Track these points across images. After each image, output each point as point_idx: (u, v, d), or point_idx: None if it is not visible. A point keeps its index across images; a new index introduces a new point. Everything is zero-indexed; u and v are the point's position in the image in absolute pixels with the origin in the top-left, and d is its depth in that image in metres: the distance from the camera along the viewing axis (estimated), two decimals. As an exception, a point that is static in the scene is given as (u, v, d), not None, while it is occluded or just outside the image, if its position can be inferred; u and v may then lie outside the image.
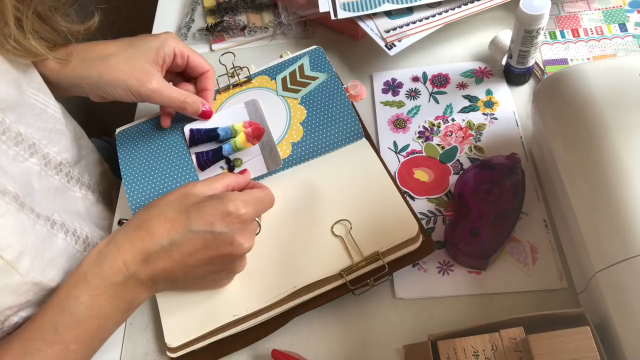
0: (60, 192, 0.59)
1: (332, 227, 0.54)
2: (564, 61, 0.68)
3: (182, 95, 0.59)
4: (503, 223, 0.55)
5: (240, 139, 0.60)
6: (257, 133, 0.60)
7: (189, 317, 0.53)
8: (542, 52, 0.69)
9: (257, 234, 0.52)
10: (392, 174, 0.60)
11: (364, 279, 0.52)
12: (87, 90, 0.60)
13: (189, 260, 0.47)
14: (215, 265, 0.49)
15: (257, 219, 0.52)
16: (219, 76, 0.64)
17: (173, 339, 0.52)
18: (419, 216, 0.58)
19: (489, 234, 0.54)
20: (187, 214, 0.47)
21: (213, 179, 0.51)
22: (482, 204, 0.56)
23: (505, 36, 0.67)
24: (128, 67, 0.57)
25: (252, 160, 0.60)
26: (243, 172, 0.57)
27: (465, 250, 0.54)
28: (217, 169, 0.60)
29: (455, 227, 0.56)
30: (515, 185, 0.56)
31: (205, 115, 0.61)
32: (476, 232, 0.54)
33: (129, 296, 0.47)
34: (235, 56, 0.67)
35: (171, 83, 0.62)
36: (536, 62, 0.67)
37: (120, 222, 0.62)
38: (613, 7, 0.71)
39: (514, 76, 0.66)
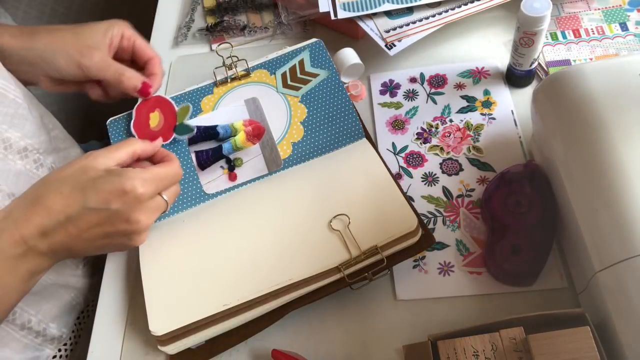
0: (23, 177, 0.57)
1: (330, 222, 0.54)
2: (566, 62, 0.67)
3: (121, 68, 0.59)
4: (541, 233, 0.53)
5: (240, 138, 0.60)
6: (258, 132, 0.60)
7: (177, 306, 0.52)
8: (544, 54, 0.69)
9: (164, 212, 0.52)
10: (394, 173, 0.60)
11: (362, 273, 0.52)
12: (33, 65, 0.60)
13: (86, 234, 0.47)
14: (113, 239, 0.49)
15: (165, 197, 0.51)
16: (216, 68, 0.64)
17: (158, 327, 0.51)
18: (419, 216, 0.58)
19: (531, 247, 0.52)
20: (84, 191, 0.47)
21: (117, 146, 0.51)
22: (515, 218, 0.54)
23: (346, 54, 0.68)
24: (74, 40, 0.59)
25: (253, 160, 0.60)
26: (155, 138, 0.56)
27: (512, 270, 0.52)
28: (218, 168, 0.60)
29: (493, 248, 0.54)
30: (541, 191, 0.54)
31: (144, 92, 0.60)
32: (518, 249, 0.53)
33: (30, 267, 0.48)
34: (232, 46, 0.67)
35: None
36: (539, 64, 0.67)
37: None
38: (613, 6, 0.71)
39: (516, 78, 0.66)
